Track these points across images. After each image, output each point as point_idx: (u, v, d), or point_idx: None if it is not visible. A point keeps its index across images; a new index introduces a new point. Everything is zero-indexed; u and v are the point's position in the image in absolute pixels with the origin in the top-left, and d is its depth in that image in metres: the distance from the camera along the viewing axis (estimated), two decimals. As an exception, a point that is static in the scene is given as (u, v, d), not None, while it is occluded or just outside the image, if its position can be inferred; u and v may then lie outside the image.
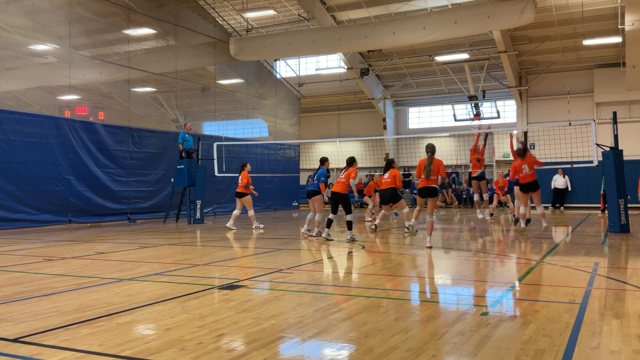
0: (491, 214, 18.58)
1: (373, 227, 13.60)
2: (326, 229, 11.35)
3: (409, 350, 3.84)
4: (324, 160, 12.30)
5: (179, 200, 17.63)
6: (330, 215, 11.44)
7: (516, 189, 12.56)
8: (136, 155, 17.73)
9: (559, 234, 12.83)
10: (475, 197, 14.09)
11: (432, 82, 27.84)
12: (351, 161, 11.61)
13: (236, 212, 14.57)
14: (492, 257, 8.91)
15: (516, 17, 17.23)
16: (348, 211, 11.18)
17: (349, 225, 11.09)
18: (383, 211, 13.69)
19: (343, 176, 11.35)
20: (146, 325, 4.61)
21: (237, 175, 15.00)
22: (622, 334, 4.21)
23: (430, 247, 9.71)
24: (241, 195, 14.39)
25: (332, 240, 11.29)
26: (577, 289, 5.96)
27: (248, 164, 14.90)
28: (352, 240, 10.95)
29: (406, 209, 13.13)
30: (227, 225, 14.47)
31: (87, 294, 5.82)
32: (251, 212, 14.61)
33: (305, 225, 12.33)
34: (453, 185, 26.11)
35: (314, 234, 12.00)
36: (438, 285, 6.70)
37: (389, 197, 12.70)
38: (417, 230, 11.06)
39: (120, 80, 20.89)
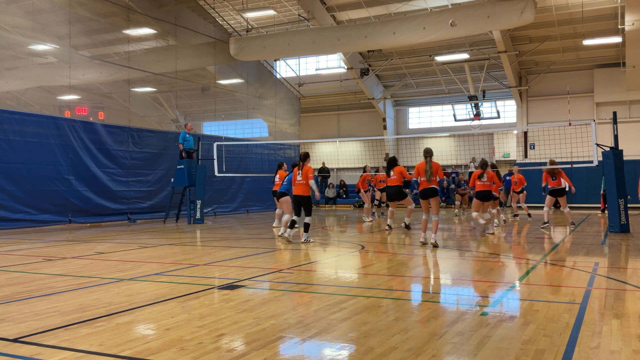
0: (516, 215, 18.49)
1: (387, 228, 13.43)
2: (288, 230, 10.86)
3: (409, 350, 3.84)
4: (295, 165, 12.24)
5: (179, 200, 17.63)
6: (294, 217, 11.01)
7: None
8: (136, 155, 17.73)
9: (559, 234, 12.82)
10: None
11: (432, 82, 27.84)
12: (305, 157, 11.05)
13: (278, 211, 14.51)
14: (492, 257, 8.91)
15: (516, 17, 17.23)
16: (308, 213, 10.83)
17: (306, 227, 10.79)
18: (391, 209, 13.76)
19: (300, 177, 10.81)
20: (146, 325, 4.61)
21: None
22: (622, 334, 4.21)
23: (434, 244, 9.89)
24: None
25: (291, 241, 10.81)
26: (577, 289, 5.96)
27: (284, 164, 14.80)
28: (306, 241, 10.66)
29: (412, 206, 13.51)
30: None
31: (87, 294, 5.82)
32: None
33: (282, 228, 12.02)
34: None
35: (286, 234, 11.55)
36: (438, 285, 6.70)
37: (395, 194, 12.90)
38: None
39: (120, 80, 20.89)
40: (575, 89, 24.06)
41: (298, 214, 11.02)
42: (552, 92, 25.27)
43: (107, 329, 4.40)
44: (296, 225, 11.00)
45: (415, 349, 3.86)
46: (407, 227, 13.37)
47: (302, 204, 10.87)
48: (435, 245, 9.86)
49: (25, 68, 20.28)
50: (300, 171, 10.87)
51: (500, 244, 10.89)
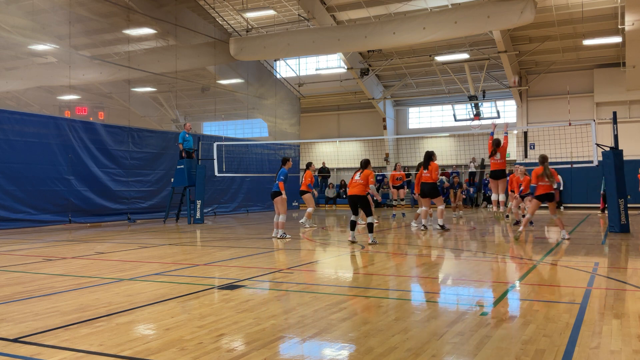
0: (507, 215, 17.90)
1: (422, 228, 13.24)
2: (351, 232, 10.71)
3: (409, 350, 3.84)
4: (285, 161, 12.36)
5: (179, 200, 17.63)
6: (352, 217, 10.82)
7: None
8: (136, 155, 17.73)
9: (557, 234, 12.80)
10: (493, 197, 13.02)
11: (432, 82, 27.84)
12: (366, 163, 11.00)
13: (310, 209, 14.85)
14: (492, 257, 8.91)
15: (516, 17, 17.23)
16: (368, 213, 10.69)
17: (370, 227, 10.71)
18: (424, 208, 13.37)
19: (359, 177, 10.71)
20: (146, 325, 4.61)
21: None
22: (622, 334, 4.21)
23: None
24: (302, 193, 14.90)
25: (356, 242, 10.70)
26: (577, 289, 5.96)
27: (313, 164, 15.27)
28: (373, 243, 10.43)
29: (442, 206, 13.27)
30: (302, 221, 14.88)
31: (87, 294, 5.82)
32: (310, 210, 14.86)
33: (275, 230, 11.91)
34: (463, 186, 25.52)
35: (278, 236, 11.65)
36: (438, 285, 6.69)
37: (429, 192, 12.87)
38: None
39: (120, 80, 20.88)
40: (575, 89, 24.05)
41: (356, 213, 10.86)
42: (552, 92, 25.26)
43: (107, 329, 4.40)
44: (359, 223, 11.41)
45: (415, 349, 3.86)
46: (443, 227, 13.09)
47: (359, 204, 10.70)
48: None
49: (25, 68, 20.25)
50: (359, 173, 10.81)
51: (500, 244, 10.88)
